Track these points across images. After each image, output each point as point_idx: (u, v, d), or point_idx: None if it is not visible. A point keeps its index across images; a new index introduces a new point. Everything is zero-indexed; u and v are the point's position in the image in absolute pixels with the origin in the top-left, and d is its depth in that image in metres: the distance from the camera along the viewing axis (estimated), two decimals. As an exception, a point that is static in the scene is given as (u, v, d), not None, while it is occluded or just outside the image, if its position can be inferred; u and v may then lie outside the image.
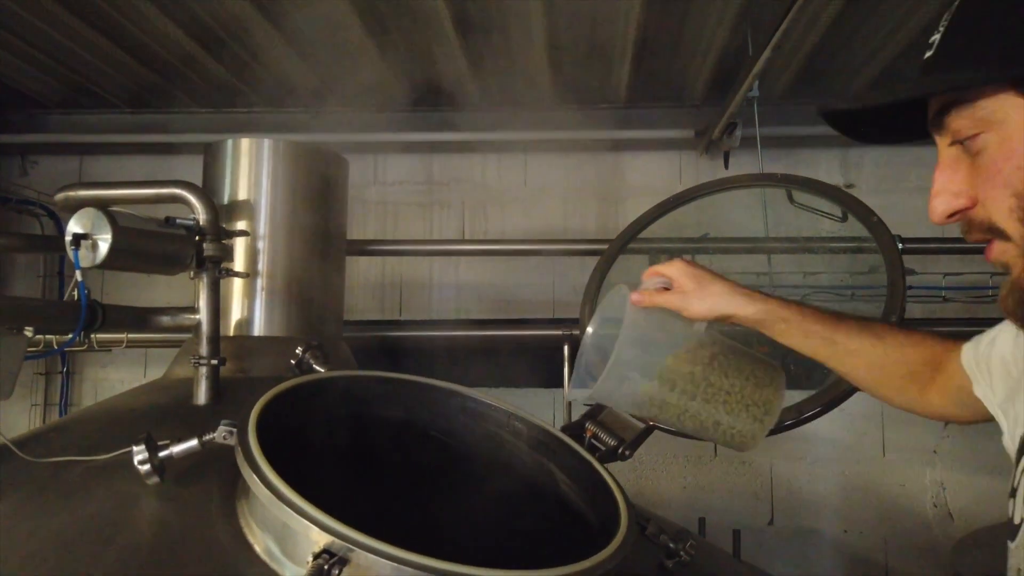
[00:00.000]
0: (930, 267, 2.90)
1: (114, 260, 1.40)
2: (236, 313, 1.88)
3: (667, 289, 1.17)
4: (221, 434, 1.31)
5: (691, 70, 2.93)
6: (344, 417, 1.53)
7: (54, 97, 3.29)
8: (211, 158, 1.99)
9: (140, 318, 1.60)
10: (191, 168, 3.28)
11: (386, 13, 2.55)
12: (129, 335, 2.18)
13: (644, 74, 2.92)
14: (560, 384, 2.41)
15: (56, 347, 1.80)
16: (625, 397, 1.22)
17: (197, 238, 1.58)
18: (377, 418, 1.59)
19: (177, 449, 1.32)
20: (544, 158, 3.39)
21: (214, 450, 1.34)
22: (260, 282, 1.90)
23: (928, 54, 0.76)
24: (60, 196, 1.68)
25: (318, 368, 1.78)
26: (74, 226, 1.38)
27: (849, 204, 1.78)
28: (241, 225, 1.88)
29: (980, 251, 0.79)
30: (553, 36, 2.60)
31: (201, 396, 1.63)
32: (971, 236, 0.78)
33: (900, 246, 1.66)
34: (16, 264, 3.52)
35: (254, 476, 1.17)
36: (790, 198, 1.93)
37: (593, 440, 1.68)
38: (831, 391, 1.54)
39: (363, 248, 2.50)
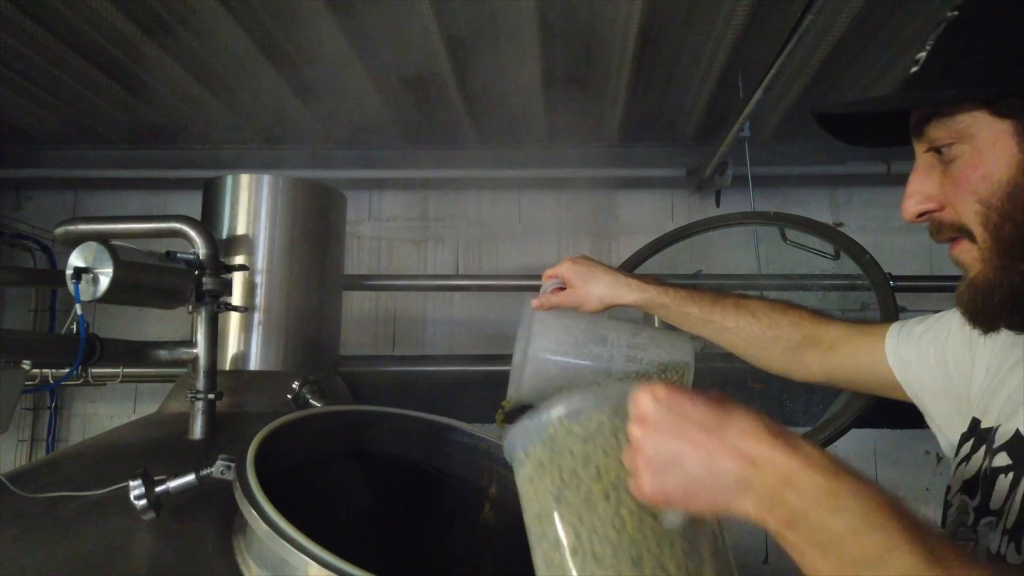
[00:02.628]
0: (920, 304, 2.93)
1: (114, 294, 1.40)
2: (232, 347, 1.88)
3: (562, 289, 1.29)
4: (219, 469, 1.30)
5: (683, 110, 2.99)
6: (341, 452, 1.53)
7: (51, 133, 3.31)
8: (210, 193, 2.00)
9: (137, 352, 1.60)
10: (187, 204, 3.33)
11: (389, 63, 2.60)
12: (124, 369, 2.17)
13: (637, 113, 2.98)
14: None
15: (52, 381, 1.79)
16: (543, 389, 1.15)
17: (196, 272, 1.58)
18: (373, 453, 1.59)
19: (174, 484, 1.31)
20: (538, 195, 3.44)
21: (211, 485, 1.33)
22: (257, 316, 1.90)
23: (914, 69, 0.82)
24: (60, 230, 1.69)
25: (315, 403, 1.79)
26: (75, 260, 1.39)
27: (841, 242, 1.82)
28: (239, 259, 1.89)
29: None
30: (549, 73, 2.65)
31: (197, 431, 1.62)
32: (939, 236, 0.84)
33: (891, 283, 1.69)
34: (6, 298, 3.51)
35: (253, 512, 1.16)
36: (783, 236, 1.96)
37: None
38: (826, 427, 1.55)
39: (360, 283, 2.52)
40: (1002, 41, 0.74)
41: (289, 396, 1.76)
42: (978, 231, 0.78)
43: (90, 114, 3.07)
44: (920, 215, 0.83)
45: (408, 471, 1.63)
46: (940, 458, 3.23)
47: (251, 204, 1.96)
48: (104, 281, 1.39)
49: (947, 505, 0.94)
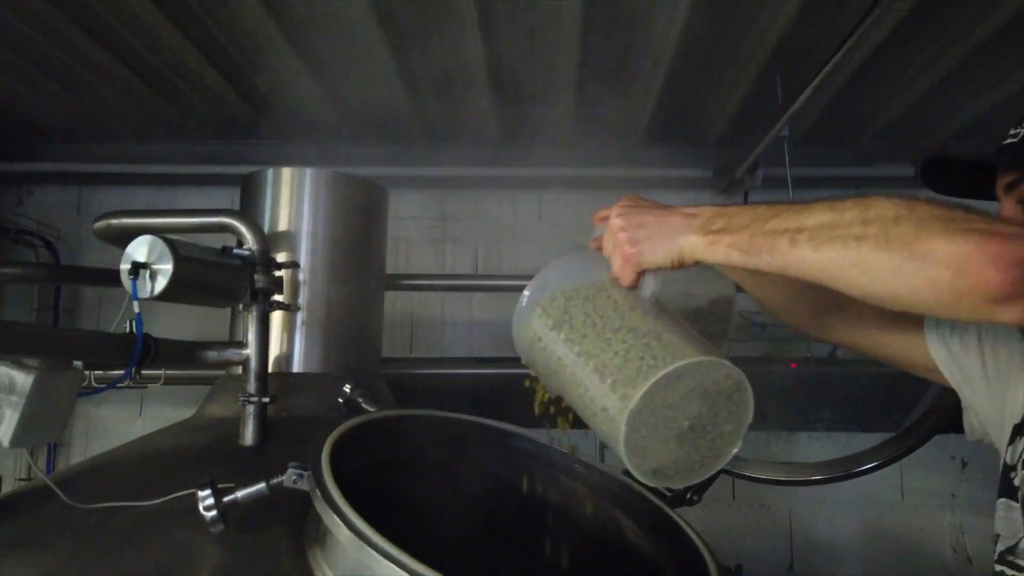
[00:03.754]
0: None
1: (173, 292, 1.32)
2: (275, 348, 1.79)
3: None
4: (290, 477, 1.23)
5: (714, 110, 2.94)
6: (409, 458, 1.45)
7: (57, 126, 3.20)
8: (250, 188, 1.91)
9: (187, 353, 1.51)
10: (197, 200, 3.24)
11: (418, 68, 2.54)
12: (167, 372, 2.07)
13: (666, 112, 2.93)
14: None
15: (95, 383, 1.69)
16: (525, 336, 1.05)
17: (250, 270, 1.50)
18: (438, 460, 1.52)
19: (243, 493, 1.23)
20: (559, 194, 3.37)
21: (272, 495, 1.26)
22: (300, 316, 1.82)
23: (1011, 141, 1.04)
24: (100, 224, 1.60)
25: (368, 407, 1.71)
26: (134, 254, 1.30)
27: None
28: (281, 257, 1.80)
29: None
30: (584, 69, 2.59)
31: (248, 436, 1.53)
32: None
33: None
34: (6, 295, 3.38)
35: (337, 520, 1.09)
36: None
37: (659, 485, 1.62)
38: (908, 436, 1.51)
39: (397, 283, 2.43)
40: None
41: (340, 400, 1.68)
42: None
43: (99, 106, 2.96)
44: None
45: (474, 480, 1.56)
46: (965, 464, 3.21)
47: (293, 199, 1.87)
48: (163, 278, 1.30)
49: (1008, 480, 1.11)
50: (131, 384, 1.63)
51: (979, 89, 2.70)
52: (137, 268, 1.29)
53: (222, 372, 1.87)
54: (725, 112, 2.93)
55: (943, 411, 1.50)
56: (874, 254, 0.78)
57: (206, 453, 1.54)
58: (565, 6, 2.25)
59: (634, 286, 0.99)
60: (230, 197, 3.35)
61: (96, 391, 1.34)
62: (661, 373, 0.83)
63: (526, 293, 1.08)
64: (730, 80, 2.72)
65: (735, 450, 0.90)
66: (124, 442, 1.71)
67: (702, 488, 1.61)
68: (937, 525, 3.20)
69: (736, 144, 2.99)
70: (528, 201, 3.42)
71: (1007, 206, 1.05)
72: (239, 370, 1.79)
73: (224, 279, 1.44)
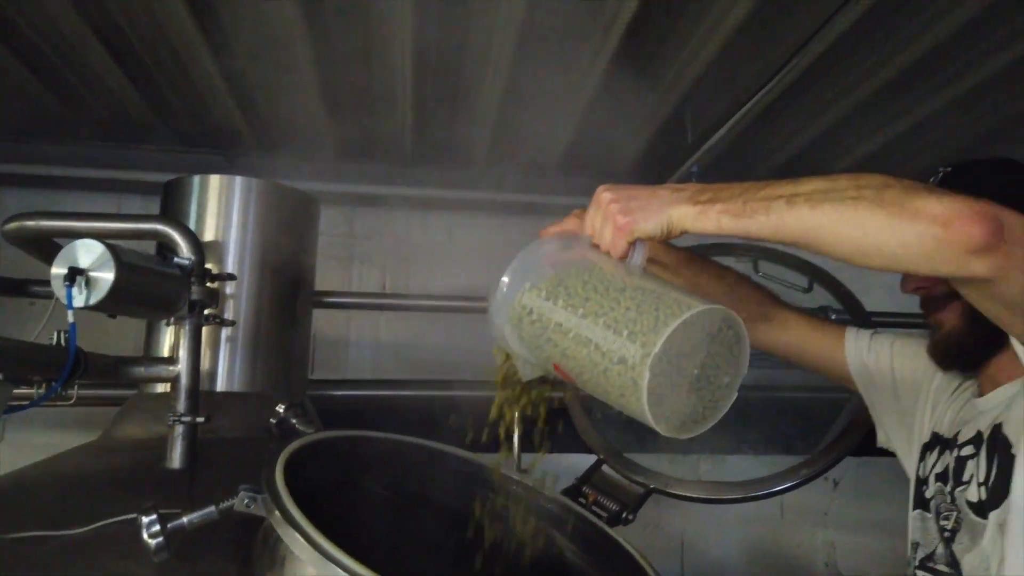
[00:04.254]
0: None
1: (111, 301, 1.23)
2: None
3: None
4: (243, 500, 1.17)
5: (626, 143, 3.07)
6: (359, 480, 1.41)
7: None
8: (172, 196, 1.82)
9: (113, 368, 1.40)
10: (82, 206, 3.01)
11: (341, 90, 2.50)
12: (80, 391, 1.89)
13: (582, 143, 3.02)
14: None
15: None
16: (512, 314, 1.05)
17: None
18: (387, 482, 1.49)
19: (190, 518, 1.16)
20: (471, 217, 3.39)
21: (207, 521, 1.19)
22: (225, 332, 1.74)
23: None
24: (12, 226, 1.47)
25: (303, 429, 1.65)
26: (70, 259, 1.20)
27: (818, 275, 1.92)
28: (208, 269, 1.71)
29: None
30: (504, 99, 2.64)
31: (176, 459, 1.44)
32: (930, 306, 1.30)
33: (870, 316, 1.81)
34: None
35: (303, 542, 1.05)
36: (755, 268, 2.05)
37: (595, 506, 1.66)
38: (823, 457, 1.63)
39: (323, 301, 2.34)
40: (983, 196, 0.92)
41: (273, 420, 1.61)
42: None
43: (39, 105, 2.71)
44: (917, 288, 1.29)
45: (410, 501, 1.54)
46: (837, 483, 3.46)
47: (221, 208, 1.80)
48: (103, 286, 1.21)
49: (921, 493, 1.36)
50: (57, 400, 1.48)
51: (872, 128, 2.91)
52: (74, 274, 1.19)
53: (134, 391, 1.75)
54: (637, 146, 3.05)
55: (856, 432, 1.63)
56: (869, 211, 0.88)
57: (129, 477, 1.43)
58: (496, 41, 2.29)
59: (624, 256, 1.04)
60: (116, 203, 3.16)
61: (27, 406, 1.21)
62: (681, 319, 0.87)
63: (505, 278, 1.08)
64: (643, 116, 2.85)
65: (731, 400, 0.95)
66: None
67: (636, 507, 1.67)
68: (812, 541, 3.43)
69: (646, 177, 3.12)
70: (439, 222, 3.41)
71: None
72: (156, 388, 1.69)
73: (164, 290, 1.35)
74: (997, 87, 2.43)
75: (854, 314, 1.78)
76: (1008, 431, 1.19)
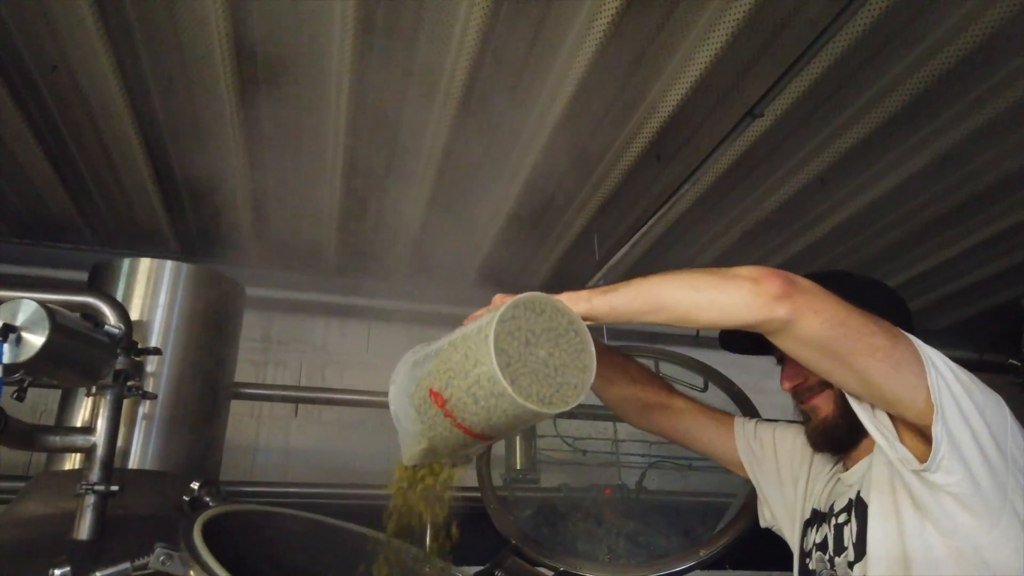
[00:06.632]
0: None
1: (39, 362, 1.25)
2: (113, 442, 1.69)
3: None
4: (159, 557, 1.18)
5: (538, 260, 3.28)
6: (254, 555, 1.42)
7: None
8: (100, 277, 1.85)
9: (29, 435, 1.39)
10: None
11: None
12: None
13: (496, 260, 3.22)
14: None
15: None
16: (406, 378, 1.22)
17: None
18: (284, 556, 1.49)
19: (107, 573, 1.15)
20: (389, 326, 3.48)
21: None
22: (142, 409, 1.74)
23: None
24: (-61, 291, 1.48)
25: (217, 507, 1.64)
26: (4, 316, 1.24)
27: (712, 375, 2.10)
28: (133, 347, 1.74)
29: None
30: (431, 205, 2.82)
31: (85, 530, 1.42)
32: (803, 397, 1.44)
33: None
34: None
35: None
36: (656, 369, 2.21)
37: (507, 588, 1.69)
38: (718, 538, 1.73)
39: (241, 392, 2.33)
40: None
41: (186, 498, 1.60)
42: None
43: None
44: (794, 387, 1.43)
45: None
46: None
47: (149, 289, 1.84)
48: (35, 344, 1.24)
49: (804, 566, 1.46)
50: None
51: (769, 250, 3.17)
52: (7, 331, 1.22)
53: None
54: (548, 264, 3.28)
55: (745, 517, 1.75)
56: (701, 277, 1.16)
57: (35, 548, 1.39)
58: (424, 155, 2.50)
59: None
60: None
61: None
62: (519, 297, 1.06)
63: (400, 366, 1.25)
64: (554, 237, 3.09)
65: (574, 400, 1.07)
66: None
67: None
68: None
69: (556, 291, 3.32)
70: (357, 329, 3.48)
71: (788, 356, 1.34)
72: (65, 464, 1.67)
73: (92, 356, 1.39)
74: (889, 203, 2.75)
75: (745, 410, 1.94)
76: (864, 494, 1.35)
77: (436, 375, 1.11)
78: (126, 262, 1.86)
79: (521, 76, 2.14)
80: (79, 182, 2.67)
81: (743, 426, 1.68)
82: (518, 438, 2.68)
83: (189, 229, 3.01)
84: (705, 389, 2.11)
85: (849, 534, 1.39)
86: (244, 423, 3.22)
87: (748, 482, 1.68)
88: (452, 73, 2.08)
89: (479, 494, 2.01)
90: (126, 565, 1.16)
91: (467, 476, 2.35)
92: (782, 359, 1.48)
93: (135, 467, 1.70)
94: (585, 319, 1.14)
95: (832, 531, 1.44)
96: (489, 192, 2.72)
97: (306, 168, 2.59)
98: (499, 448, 2.74)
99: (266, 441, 3.25)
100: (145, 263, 1.87)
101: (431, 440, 1.18)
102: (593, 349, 1.10)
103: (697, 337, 3.57)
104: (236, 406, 3.13)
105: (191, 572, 1.16)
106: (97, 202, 2.81)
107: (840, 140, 2.36)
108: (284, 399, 2.85)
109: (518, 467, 2.63)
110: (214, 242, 3.05)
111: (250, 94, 2.20)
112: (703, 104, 2.20)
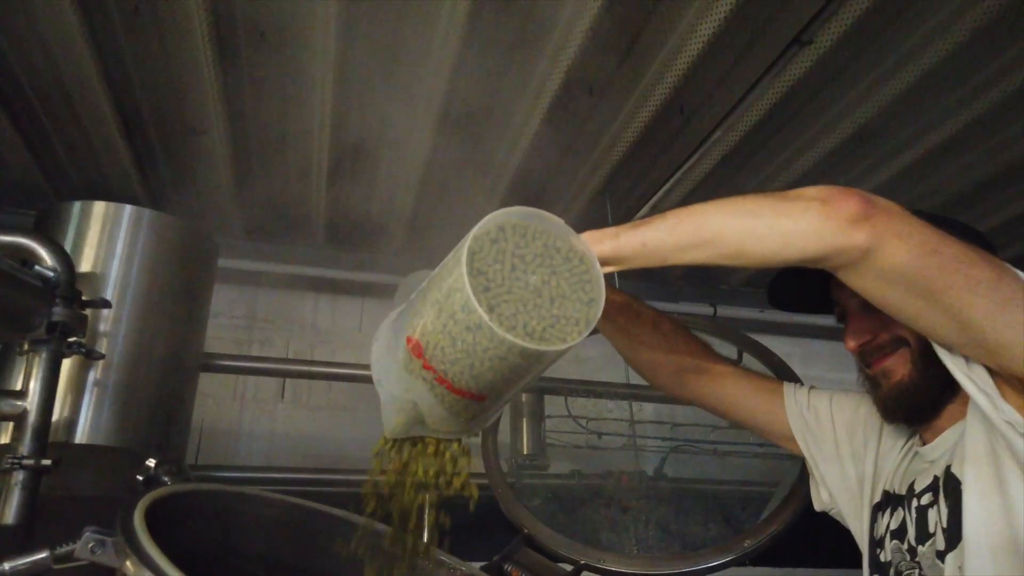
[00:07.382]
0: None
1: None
2: (56, 411, 1.43)
3: None
4: (87, 544, 0.93)
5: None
6: (216, 544, 1.17)
7: None
8: (47, 223, 1.60)
9: (-59, 395, 1.14)
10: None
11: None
12: None
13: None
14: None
15: None
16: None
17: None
18: (247, 545, 1.25)
19: (15, 565, 0.90)
20: (385, 303, 3.23)
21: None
22: (93, 374, 1.49)
23: None
24: None
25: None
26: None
27: (746, 344, 1.85)
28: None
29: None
30: (427, 180, 2.58)
31: (12, 512, 1.16)
32: (871, 358, 1.19)
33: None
34: None
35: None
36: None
37: (519, 583, 1.46)
38: (764, 528, 1.49)
39: (212, 363, 2.05)
40: None
41: (140, 477, 1.35)
42: (912, 339, 1.12)
43: None
44: (861, 345, 1.20)
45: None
46: None
47: (104, 237, 1.59)
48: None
49: (875, 556, 1.23)
50: None
51: None
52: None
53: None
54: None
55: (794, 501, 1.51)
56: (757, 201, 0.95)
57: (-56, 533, 1.14)
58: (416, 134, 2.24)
59: None
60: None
61: None
62: (510, 210, 0.87)
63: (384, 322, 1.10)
64: (563, 204, 2.85)
65: (577, 340, 0.87)
66: None
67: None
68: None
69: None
70: (350, 306, 3.23)
71: (851, 306, 1.21)
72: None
73: (17, 299, 1.13)
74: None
75: (787, 380, 1.71)
76: (955, 470, 1.11)
77: (414, 318, 0.92)
78: (77, 205, 1.61)
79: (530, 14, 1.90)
80: (41, 137, 2.42)
81: (794, 393, 1.44)
82: (525, 420, 2.44)
83: (166, 191, 2.75)
84: (739, 361, 1.86)
85: (936, 517, 1.15)
86: (226, 406, 2.97)
87: (794, 465, 1.45)
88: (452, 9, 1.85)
89: (485, 480, 1.76)
90: (44, 554, 0.92)
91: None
92: (844, 314, 1.24)
93: (83, 441, 1.45)
94: (611, 261, 0.93)
95: (913, 515, 1.20)
96: (490, 158, 2.48)
97: (292, 117, 2.34)
98: (504, 434, 2.52)
99: (250, 426, 3.00)
100: (100, 207, 1.62)
101: (416, 404, 0.97)
102: (603, 281, 0.89)
103: (714, 317, 3.35)
104: (217, 387, 2.91)
105: (127, 563, 0.91)
106: (63, 163, 2.56)
107: (889, 83, 2.12)
108: (264, 372, 2.57)
109: (525, 452, 2.39)
110: (192, 203, 2.79)
111: (227, 32, 1.94)
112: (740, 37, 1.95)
